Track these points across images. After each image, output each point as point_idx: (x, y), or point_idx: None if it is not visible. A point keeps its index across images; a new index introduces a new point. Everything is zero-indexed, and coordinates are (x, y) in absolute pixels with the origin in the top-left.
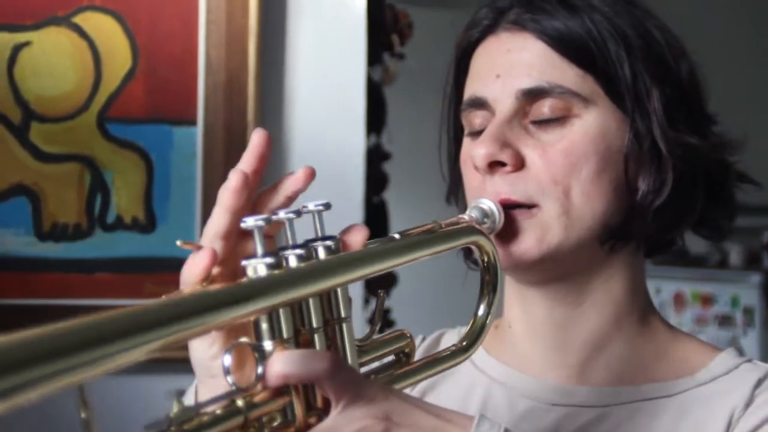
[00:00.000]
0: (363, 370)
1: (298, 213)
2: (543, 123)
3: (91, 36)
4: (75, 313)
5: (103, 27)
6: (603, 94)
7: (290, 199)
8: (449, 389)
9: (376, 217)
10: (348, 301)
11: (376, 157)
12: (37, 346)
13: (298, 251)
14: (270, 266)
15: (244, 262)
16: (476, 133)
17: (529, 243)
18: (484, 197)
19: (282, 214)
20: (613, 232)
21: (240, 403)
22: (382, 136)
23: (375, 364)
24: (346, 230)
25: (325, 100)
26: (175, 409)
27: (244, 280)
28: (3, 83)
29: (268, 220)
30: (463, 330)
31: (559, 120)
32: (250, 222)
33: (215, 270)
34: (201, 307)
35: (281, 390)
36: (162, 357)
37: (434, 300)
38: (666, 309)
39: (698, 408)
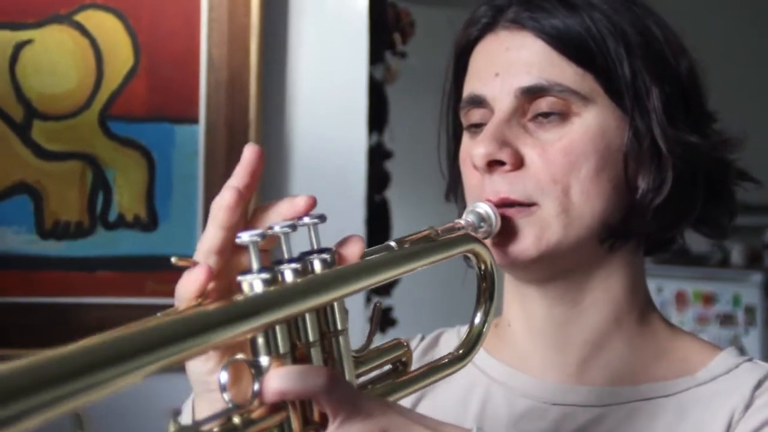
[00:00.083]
0: (360, 380)
1: (294, 227)
2: (542, 122)
3: (93, 34)
4: (76, 311)
5: (105, 25)
6: (602, 93)
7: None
8: (449, 389)
9: (377, 216)
10: (345, 312)
11: (377, 156)
12: (30, 375)
13: (294, 265)
14: (266, 281)
15: (239, 278)
16: (475, 127)
17: (528, 241)
18: (483, 198)
19: (277, 228)
20: (613, 231)
21: (237, 420)
22: (384, 135)
23: (374, 374)
24: (342, 242)
25: (327, 99)
26: (171, 429)
27: (240, 297)
28: (5, 81)
29: (263, 236)
30: (463, 330)
31: (558, 118)
32: (245, 237)
33: (210, 285)
34: (197, 328)
35: (278, 406)
36: None
37: (435, 298)
38: (668, 308)
39: (698, 408)
